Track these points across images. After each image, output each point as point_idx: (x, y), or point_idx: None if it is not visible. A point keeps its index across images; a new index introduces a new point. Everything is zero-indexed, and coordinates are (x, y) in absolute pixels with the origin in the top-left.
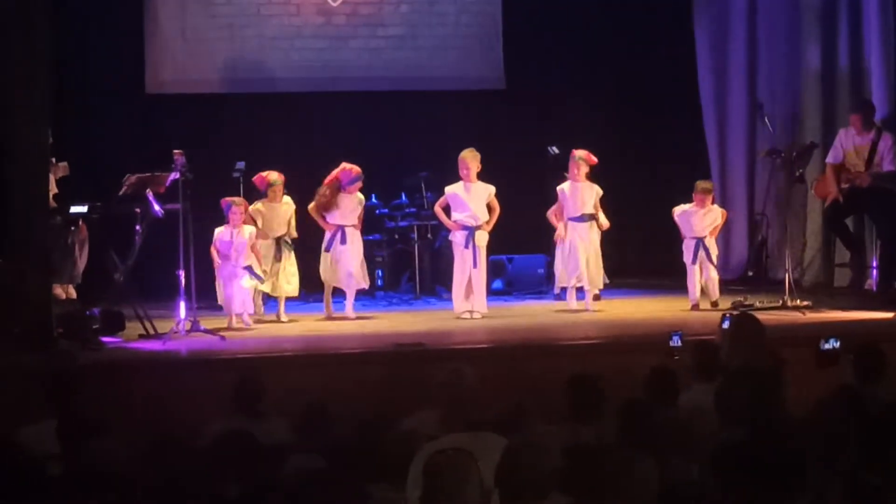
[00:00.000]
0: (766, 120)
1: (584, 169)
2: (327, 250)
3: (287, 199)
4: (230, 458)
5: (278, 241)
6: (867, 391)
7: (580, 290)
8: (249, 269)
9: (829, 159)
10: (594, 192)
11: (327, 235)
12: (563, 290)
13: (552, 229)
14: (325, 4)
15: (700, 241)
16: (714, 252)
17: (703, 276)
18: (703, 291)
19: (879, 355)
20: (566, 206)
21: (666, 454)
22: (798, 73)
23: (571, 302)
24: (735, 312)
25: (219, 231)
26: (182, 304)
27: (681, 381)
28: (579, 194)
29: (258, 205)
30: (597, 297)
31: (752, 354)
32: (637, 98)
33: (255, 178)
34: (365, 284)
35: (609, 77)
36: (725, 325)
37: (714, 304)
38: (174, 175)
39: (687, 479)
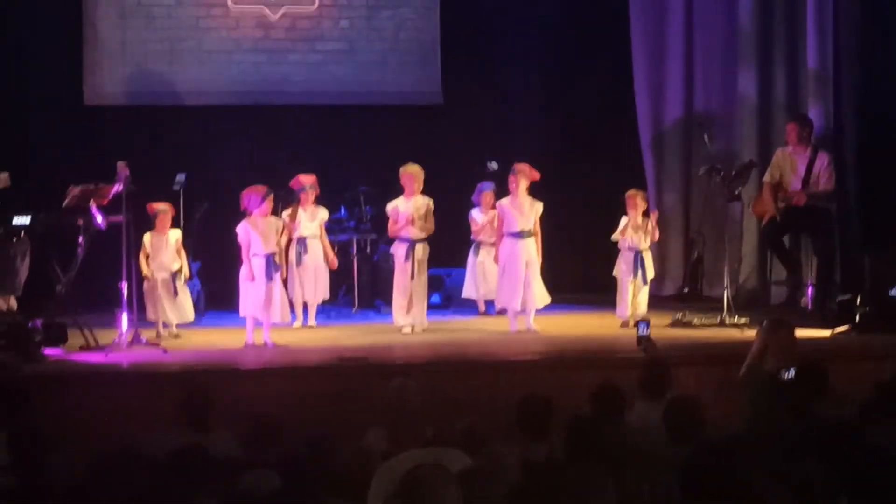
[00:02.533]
0: (706, 138)
1: (524, 183)
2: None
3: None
4: (187, 472)
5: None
6: (813, 407)
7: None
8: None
9: (767, 178)
10: (535, 208)
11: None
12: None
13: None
14: (265, 18)
15: (638, 254)
16: (649, 266)
17: (635, 291)
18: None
19: (823, 373)
20: (505, 222)
21: (619, 470)
22: (734, 92)
23: (513, 322)
24: (769, 320)
25: (147, 237)
26: (124, 316)
27: (627, 397)
28: (519, 209)
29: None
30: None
31: (786, 359)
32: (575, 114)
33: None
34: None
35: (546, 93)
36: (761, 331)
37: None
38: (117, 187)
39: (642, 494)
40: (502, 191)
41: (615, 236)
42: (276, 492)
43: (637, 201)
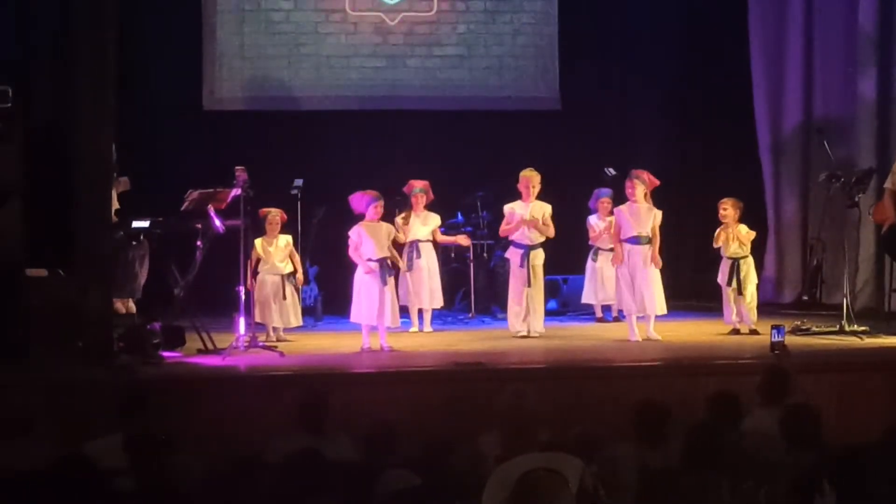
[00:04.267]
0: (826, 145)
1: (641, 189)
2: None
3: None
4: (303, 476)
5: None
6: None
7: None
8: (292, 275)
9: (888, 185)
10: (652, 214)
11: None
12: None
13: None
14: (383, 23)
15: (736, 262)
16: (748, 273)
17: (738, 299)
18: (740, 316)
19: None
20: (622, 228)
21: (736, 477)
22: (853, 97)
23: (633, 329)
24: None
25: (259, 242)
26: (241, 320)
27: (744, 404)
28: (636, 215)
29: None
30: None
31: None
32: (693, 120)
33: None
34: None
35: (665, 98)
36: None
37: (752, 332)
38: (235, 191)
39: (759, 500)
40: (620, 197)
41: (716, 244)
42: (411, 492)
43: (727, 208)
